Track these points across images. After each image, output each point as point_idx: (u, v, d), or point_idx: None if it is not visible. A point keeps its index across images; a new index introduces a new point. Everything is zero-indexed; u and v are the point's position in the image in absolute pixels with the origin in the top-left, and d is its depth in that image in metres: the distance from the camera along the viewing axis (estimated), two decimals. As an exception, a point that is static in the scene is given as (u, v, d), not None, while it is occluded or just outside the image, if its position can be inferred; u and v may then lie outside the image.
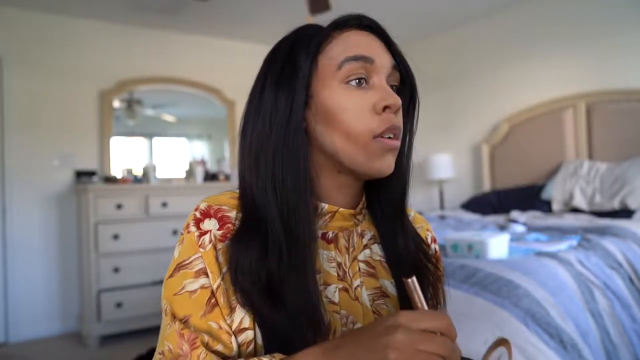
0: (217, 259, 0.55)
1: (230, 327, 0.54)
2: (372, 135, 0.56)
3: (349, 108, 0.56)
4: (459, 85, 3.80)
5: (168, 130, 3.90)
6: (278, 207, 0.55)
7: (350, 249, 0.63)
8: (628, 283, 1.70)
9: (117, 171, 3.41)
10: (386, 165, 0.57)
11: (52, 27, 3.24)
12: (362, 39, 0.59)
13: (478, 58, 3.67)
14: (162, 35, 3.65)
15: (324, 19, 0.63)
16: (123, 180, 3.19)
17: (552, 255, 1.63)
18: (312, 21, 0.62)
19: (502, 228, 2.37)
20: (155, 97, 3.71)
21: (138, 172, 3.39)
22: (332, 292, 0.59)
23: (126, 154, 3.58)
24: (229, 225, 0.57)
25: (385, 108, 0.56)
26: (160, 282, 3.08)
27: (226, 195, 0.60)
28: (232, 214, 0.58)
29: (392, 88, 0.60)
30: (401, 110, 0.59)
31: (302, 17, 3.06)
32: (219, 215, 0.57)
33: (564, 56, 3.08)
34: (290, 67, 0.57)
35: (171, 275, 0.56)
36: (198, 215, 0.57)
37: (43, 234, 3.18)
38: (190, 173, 3.59)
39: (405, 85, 0.63)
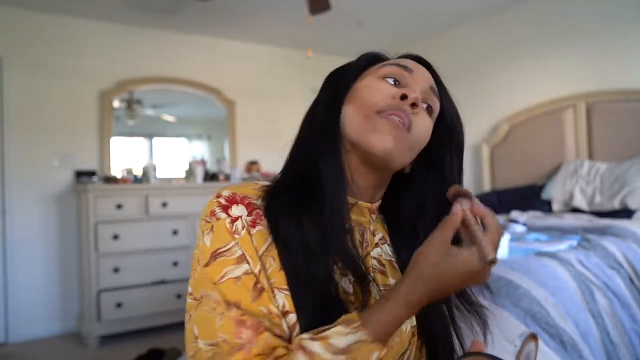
0: (252, 243, 0.55)
1: (278, 309, 0.53)
2: (377, 109, 0.59)
3: (372, 88, 0.61)
4: (459, 85, 3.78)
5: (168, 130, 3.90)
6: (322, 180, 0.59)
7: (365, 244, 0.65)
8: (628, 283, 1.70)
9: (117, 171, 3.41)
10: (378, 140, 0.58)
11: (52, 27, 3.24)
12: (412, 62, 0.65)
13: (478, 58, 3.67)
14: (162, 35, 3.65)
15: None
16: (123, 180, 3.18)
17: (552, 255, 1.63)
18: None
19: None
20: (155, 97, 3.71)
21: (138, 172, 3.39)
22: (347, 283, 0.60)
23: (126, 154, 3.58)
24: (258, 211, 0.57)
25: (402, 97, 0.59)
26: (161, 282, 3.09)
27: (248, 186, 0.61)
28: (258, 202, 0.58)
29: (427, 109, 0.64)
30: (421, 110, 0.62)
31: (302, 17, 3.06)
32: (246, 202, 0.57)
33: (564, 56, 3.08)
34: (344, 72, 0.67)
35: (207, 264, 0.54)
36: (223, 202, 0.57)
37: (43, 234, 3.18)
38: (190, 173, 3.59)
39: (444, 125, 0.68)
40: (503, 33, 3.48)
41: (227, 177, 3.64)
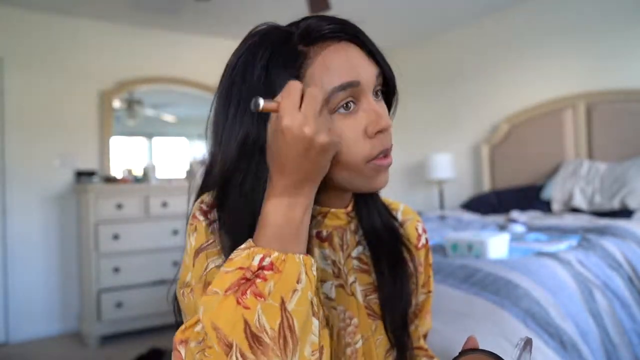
0: None
1: None
2: (366, 160, 0.55)
3: (342, 139, 0.53)
4: (459, 85, 3.80)
5: (168, 130, 3.90)
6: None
7: (345, 247, 0.64)
8: (628, 283, 1.70)
9: (117, 171, 3.42)
10: (383, 182, 0.58)
11: (52, 27, 3.24)
12: (343, 58, 0.54)
13: (478, 58, 3.67)
14: (162, 35, 3.65)
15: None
16: (123, 180, 3.19)
17: (552, 255, 1.63)
18: None
19: (502, 228, 2.37)
20: (155, 97, 3.71)
21: (138, 172, 3.39)
22: (329, 288, 0.60)
23: (126, 154, 3.58)
24: None
25: (377, 132, 0.55)
26: (161, 282, 3.09)
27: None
28: None
29: (377, 94, 0.58)
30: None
31: (302, 17, 3.06)
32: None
33: (564, 56, 3.09)
34: (268, 92, 0.52)
35: (193, 264, 0.56)
36: (204, 207, 0.58)
37: (43, 234, 3.18)
38: (190, 173, 3.59)
39: (389, 86, 0.62)
40: (503, 33, 3.48)
41: (227, 177, 3.64)
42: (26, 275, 3.10)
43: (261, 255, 0.47)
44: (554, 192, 2.75)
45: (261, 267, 0.46)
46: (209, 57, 3.84)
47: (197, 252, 0.56)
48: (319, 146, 0.46)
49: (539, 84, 3.23)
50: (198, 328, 0.47)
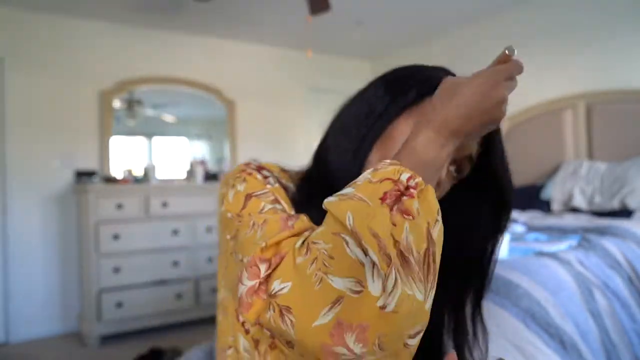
0: (285, 194, 0.58)
1: None
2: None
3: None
4: (459, 85, 3.80)
5: (168, 130, 3.90)
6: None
7: None
8: (628, 283, 1.70)
9: (117, 171, 3.42)
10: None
11: (52, 27, 3.25)
12: None
13: (477, 59, 3.67)
14: (162, 35, 3.65)
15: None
16: (123, 181, 3.19)
17: (552, 255, 1.63)
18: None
19: (502, 228, 2.37)
20: (155, 97, 3.71)
21: (138, 172, 3.39)
22: None
23: (126, 154, 3.58)
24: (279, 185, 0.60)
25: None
26: (161, 282, 3.10)
27: (269, 164, 0.64)
28: (283, 181, 0.62)
29: (452, 166, 0.62)
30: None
31: (303, 17, 3.06)
32: (274, 174, 0.61)
33: (563, 56, 3.08)
34: (405, 82, 0.62)
35: (244, 207, 0.55)
36: (253, 166, 0.60)
37: (43, 234, 3.18)
38: (190, 173, 3.59)
39: (488, 180, 0.65)
40: (503, 33, 3.48)
41: (227, 177, 3.64)
42: (26, 276, 3.10)
43: (409, 175, 0.44)
44: (554, 192, 2.75)
45: (408, 187, 0.43)
46: (209, 57, 3.85)
47: (249, 196, 0.55)
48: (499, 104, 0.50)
49: (539, 84, 3.23)
50: (300, 242, 0.46)
